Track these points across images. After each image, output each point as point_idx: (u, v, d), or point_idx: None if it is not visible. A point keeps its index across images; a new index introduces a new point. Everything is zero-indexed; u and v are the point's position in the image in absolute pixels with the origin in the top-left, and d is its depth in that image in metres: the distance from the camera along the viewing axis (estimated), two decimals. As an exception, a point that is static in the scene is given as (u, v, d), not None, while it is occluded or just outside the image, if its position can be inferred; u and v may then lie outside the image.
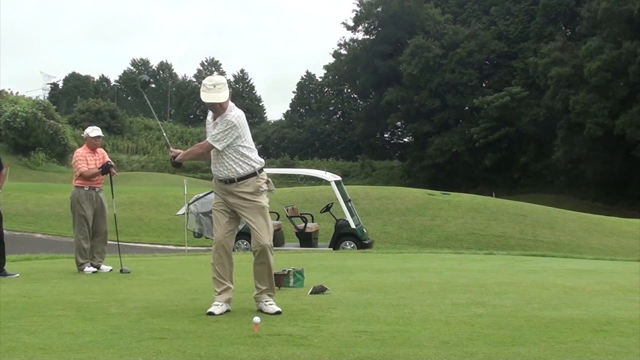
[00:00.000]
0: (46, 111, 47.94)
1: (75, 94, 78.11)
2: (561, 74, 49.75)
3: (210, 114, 5.22)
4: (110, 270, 8.15)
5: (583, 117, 46.78)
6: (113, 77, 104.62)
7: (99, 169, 8.23)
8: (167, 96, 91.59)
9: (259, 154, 5.38)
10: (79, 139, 44.52)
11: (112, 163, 8.42)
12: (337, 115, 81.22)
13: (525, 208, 23.95)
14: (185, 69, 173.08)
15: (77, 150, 8.57)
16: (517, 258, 10.98)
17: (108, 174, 8.33)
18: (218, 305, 5.01)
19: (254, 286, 5.21)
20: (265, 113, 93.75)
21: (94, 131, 8.43)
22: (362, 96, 73.90)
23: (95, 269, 8.13)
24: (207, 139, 5.17)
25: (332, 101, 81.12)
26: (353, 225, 14.82)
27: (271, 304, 5.08)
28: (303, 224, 14.95)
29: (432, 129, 59.71)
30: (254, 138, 5.63)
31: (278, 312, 4.98)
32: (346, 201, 15.50)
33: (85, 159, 8.23)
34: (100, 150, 8.46)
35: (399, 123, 67.51)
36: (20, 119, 45.37)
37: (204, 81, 5.13)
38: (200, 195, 14.77)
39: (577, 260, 10.80)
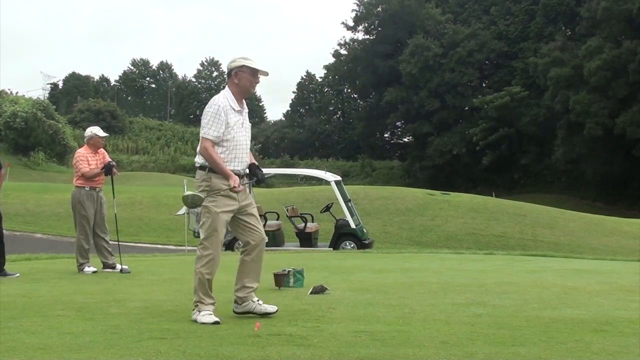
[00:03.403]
0: (46, 111, 47.92)
1: (75, 94, 78.19)
2: (561, 74, 49.75)
3: (232, 102, 4.72)
4: (121, 269, 8.14)
5: (583, 117, 46.77)
6: (113, 77, 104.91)
7: (101, 169, 8.23)
8: (167, 96, 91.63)
9: (255, 153, 5.15)
10: (79, 139, 44.48)
11: (114, 163, 8.43)
12: (337, 115, 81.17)
13: (525, 208, 23.94)
14: (185, 69, 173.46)
15: (78, 150, 8.56)
16: (517, 258, 10.96)
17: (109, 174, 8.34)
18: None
19: (236, 287, 4.82)
20: (265, 113, 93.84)
21: (101, 131, 8.51)
22: (362, 96, 73.89)
23: (112, 269, 8.14)
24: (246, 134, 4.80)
25: (332, 101, 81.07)
26: (353, 225, 14.80)
27: (264, 303, 4.80)
28: (303, 224, 14.92)
29: (432, 129, 59.71)
30: (254, 138, 5.54)
31: (276, 310, 4.77)
32: (346, 201, 15.47)
33: (86, 159, 8.24)
34: (101, 150, 8.48)
35: (399, 123, 67.54)
36: (20, 119, 45.36)
37: (243, 57, 4.75)
38: (201, 195, 14.80)
39: (577, 260, 10.78)
